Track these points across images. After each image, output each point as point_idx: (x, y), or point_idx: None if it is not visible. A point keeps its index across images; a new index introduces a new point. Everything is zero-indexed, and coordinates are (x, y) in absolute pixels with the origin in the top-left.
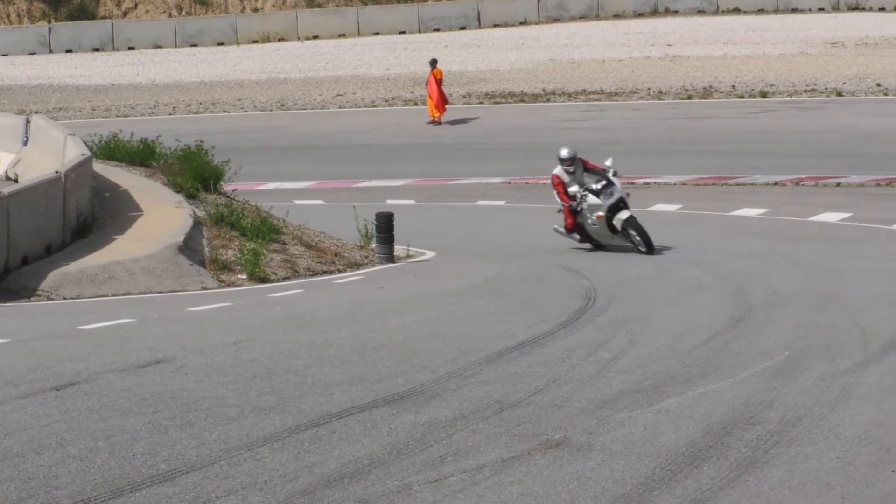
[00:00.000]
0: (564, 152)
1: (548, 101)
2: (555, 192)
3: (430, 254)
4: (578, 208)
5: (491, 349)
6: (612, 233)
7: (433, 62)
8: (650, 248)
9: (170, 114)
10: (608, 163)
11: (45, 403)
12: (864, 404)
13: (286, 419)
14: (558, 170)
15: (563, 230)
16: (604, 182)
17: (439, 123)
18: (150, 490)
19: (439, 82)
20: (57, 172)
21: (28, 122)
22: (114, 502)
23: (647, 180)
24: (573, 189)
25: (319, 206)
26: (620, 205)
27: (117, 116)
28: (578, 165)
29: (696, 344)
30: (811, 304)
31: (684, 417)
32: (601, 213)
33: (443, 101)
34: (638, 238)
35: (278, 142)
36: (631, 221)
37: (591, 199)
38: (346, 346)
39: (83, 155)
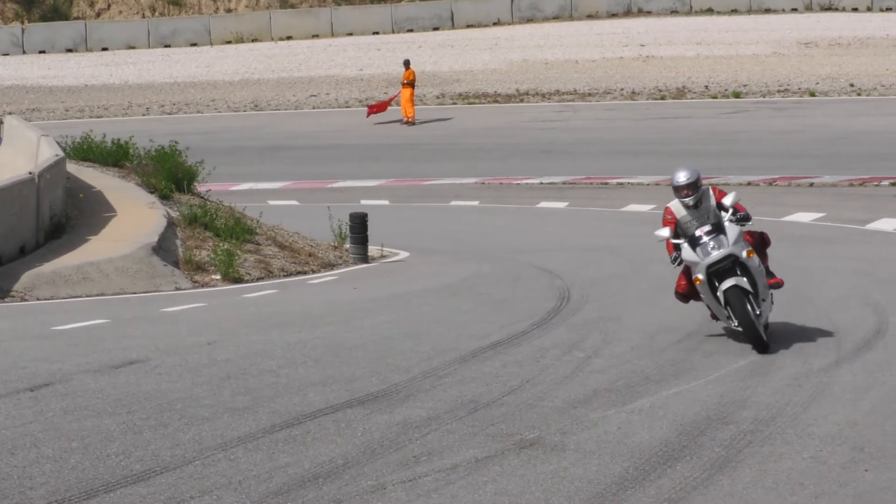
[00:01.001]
0: (681, 176)
1: (521, 101)
2: (662, 234)
3: (404, 254)
4: (676, 263)
5: (465, 349)
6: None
7: (406, 63)
8: (758, 344)
9: (143, 114)
10: (728, 199)
11: (19, 404)
12: (838, 404)
13: (260, 419)
14: (673, 203)
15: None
16: (708, 227)
17: (413, 123)
18: (124, 490)
19: (412, 83)
20: (30, 173)
21: (1, 122)
22: (88, 502)
23: (620, 180)
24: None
25: (293, 207)
26: (733, 266)
27: (91, 117)
28: (706, 196)
29: (670, 343)
30: (784, 303)
31: (658, 417)
32: (699, 277)
33: (389, 104)
34: (735, 323)
35: (252, 142)
36: (733, 294)
37: (687, 252)
38: (320, 346)
39: (56, 156)
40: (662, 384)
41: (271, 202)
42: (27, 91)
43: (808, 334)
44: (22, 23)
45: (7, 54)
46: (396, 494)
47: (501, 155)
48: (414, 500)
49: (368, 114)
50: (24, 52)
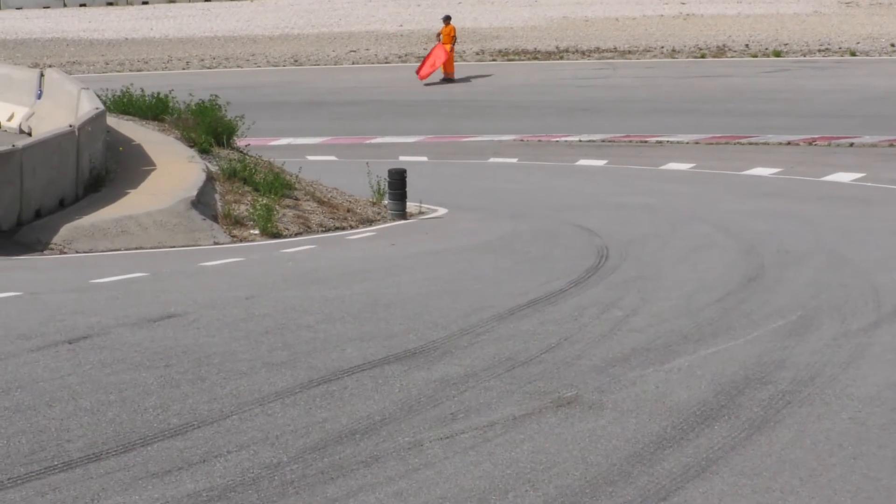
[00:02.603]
0: None
1: (561, 58)
2: None
3: (442, 210)
4: None
5: (503, 307)
6: None
7: (447, 19)
8: None
9: (183, 69)
10: None
11: (57, 357)
12: (877, 364)
13: (298, 375)
14: None
15: None
16: None
17: (453, 80)
18: (160, 444)
19: (453, 39)
20: (70, 126)
21: (42, 75)
22: (125, 456)
23: (659, 139)
24: None
25: (332, 162)
26: None
27: (130, 71)
28: None
29: (708, 303)
30: (823, 263)
31: (696, 377)
32: None
33: (440, 60)
34: None
35: (291, 97)
36: None
37: None
38: (357, 302)
39: (96, 109)
40: (700, 343)
41: (310, 157)
42: (67, 44)
43: (846, 295)
44: None
45: (48, 7)
46: (433, 451)
47: (540, 112)
48: (451, 456)
49: (427, 74)
50: (64, 6)
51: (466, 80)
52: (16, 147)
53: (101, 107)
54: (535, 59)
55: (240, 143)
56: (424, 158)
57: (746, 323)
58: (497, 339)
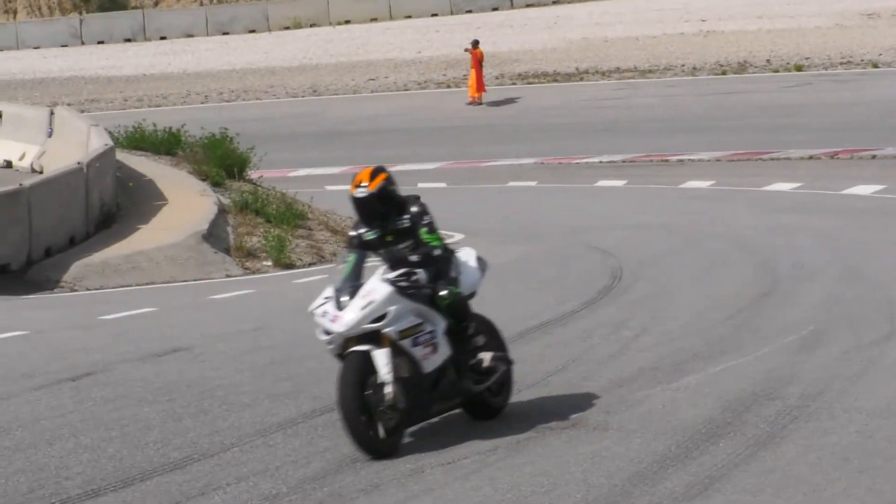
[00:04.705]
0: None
1: (581, 80)
2: None
3: (458, 236)
4: None
5: (513, 329)
6: None
7: (475, 43)
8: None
9: (202, 103)
10: None
11: (59, 394)
12: (887, 377)
13: (301, 405)
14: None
15: None
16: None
17: (480, 104)
18: (160, 478)
19: (480, 63)
20: (79, 163)
21: (52, 113)
22: (123, 491)
23: (680, 157)
24: None
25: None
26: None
27: (149, 106)
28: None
29: (720, 320)
30: (838, 277)
31: (703, 394)
32: None
33: (479, 83)
34: None
35: (311, 128)
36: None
37: None
38: None
39: (105, 145)
40: (710, 361)
41: (329, 187)
42: (86, 82)
43: (860, 308)
44: (80, 14)
45: (66, 45)
46: (434, 476)
47: (560, 134)
48: (451, 482)
49: (479, 94)
50: (82, 43)
51: (486, 104)
52: (23, 186)
53: (111, 143)
54: (555, 81)
55: (253, 174)
56: (443, 184)
57: (757, 339)
58: None
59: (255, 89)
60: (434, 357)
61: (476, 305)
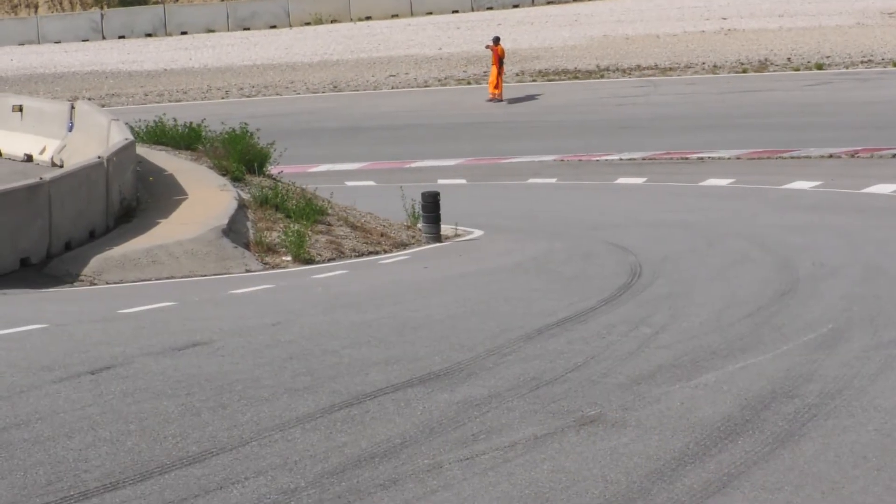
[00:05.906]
0: None
1: (601, 77)
2: None
3: (477, 233)
4: None
5: (531, 326)
6: None
7: (496, 40)
8: None
9: (222, 98)
10: None
11: (79, 387)
12: None
13: (319, 399)
14: None
15: None
16: None
17: (500, 100)
18: (179, 472)
19: (500, 60)
20: (99, 157)
21: (73, 108)
22: (142, 484)
23: (700, 155)
24: None
25: (370, 187)
26: None
27: (170, 101)
28: None
29: (739, 318)
30: (858, 275)
31: (722, 392)
32: None
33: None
34: None
35: (331, 123)
36: None
37: None
38: (385, 325)
39: (126, 140)
40: (729, 359)
41: (349, 183)
42: (107, 76)
43: (880, 306)
44: (101, 8)
45: (87, 40)
46: (452, 472)
47: (581, 132)
48: (469, 478)
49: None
50: (103, 38)
51: (506, 101)
52: (43, 180)
53: (131, 137)
54: (576, 78)
55: (273, 169)
56: (463, 181)
57: (776, 337)
58: (523, 359)
59: (275, 85)
60: None
61: (497, 303)
